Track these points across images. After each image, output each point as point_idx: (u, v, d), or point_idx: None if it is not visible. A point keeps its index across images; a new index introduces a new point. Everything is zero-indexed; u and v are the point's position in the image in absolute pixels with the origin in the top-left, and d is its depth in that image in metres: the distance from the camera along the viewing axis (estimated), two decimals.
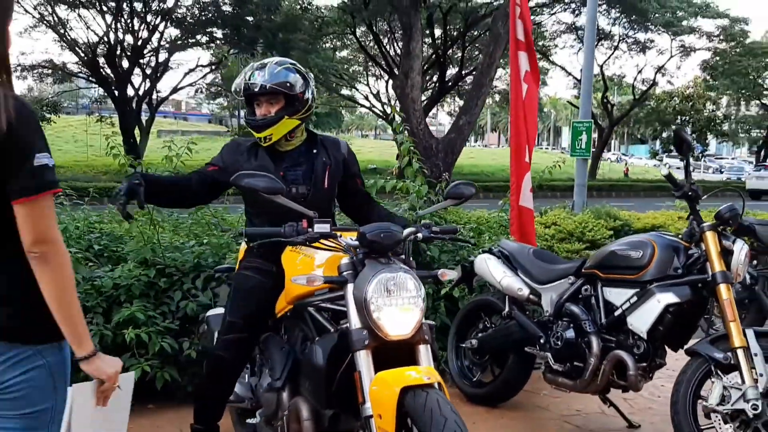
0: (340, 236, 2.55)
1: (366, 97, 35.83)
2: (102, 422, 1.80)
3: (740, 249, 3.25)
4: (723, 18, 29.43)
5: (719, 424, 3.09)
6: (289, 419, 2.66)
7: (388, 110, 35.33)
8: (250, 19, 22.68)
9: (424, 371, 2.28)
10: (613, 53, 30.61)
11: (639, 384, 3.41)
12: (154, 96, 28.38)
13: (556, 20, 29.60)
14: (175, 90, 31.87)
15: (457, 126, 10.29)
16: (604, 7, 25.84)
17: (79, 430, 1.72)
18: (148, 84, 26.89)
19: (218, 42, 25.83)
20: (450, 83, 28.38)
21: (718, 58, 31.01)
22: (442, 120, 62.82)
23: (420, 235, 2.63)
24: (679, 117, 35.21)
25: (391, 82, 31.23)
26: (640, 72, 32.03)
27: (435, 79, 28.10)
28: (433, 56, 26.81)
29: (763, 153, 35.48)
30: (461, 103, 36.29)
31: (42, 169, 1.60)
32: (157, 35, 25.03)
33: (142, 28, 24.46)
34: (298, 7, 25.72)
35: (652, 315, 3.32)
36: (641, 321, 3.36)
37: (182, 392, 3.98)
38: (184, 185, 2.93)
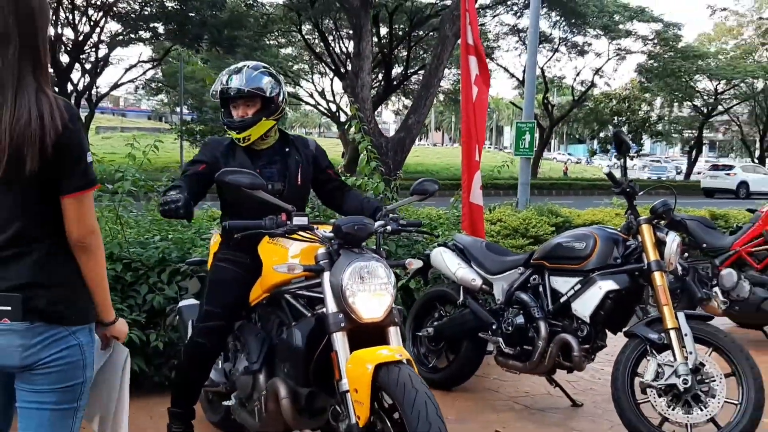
0: (317, 228, 2.77)
1: (311, 95, 35.88)
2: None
3: (672, 240, 3.59)
4: (657, 22, 30.54)
5: (654, 398, 3.43)
6: (266, 399, 2.86)
7: (333, 108, 35.55)
8: (194, 15, 22.44)
9: (395, 350, 2.53)
10: (553, 55, 31.44)
11: (583, 364, 3.73)
12: (94, 92, 27.84)
13: (498, 22, 30.24)
14: (116, 86, 31.28)
15: (407, 125, 10.53)
16: (545, 10, 26.53)
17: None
18: (87, 79, 26.37)
19: (161, 38, 25.51)
20: (395, 82, 28.71)
21: (652, 61, 32.14)
22: (386, 118, 63.21)
23: (389, 227, 2.88)
24: (616, 117, 36.33)
25: (336, 80, 31.48)
26: (579, 74, 33.02)
27: (380, 77, 28.37)
28: (379, 55, 27.09)
29: (717, 155, 37.06)
30: (406, 101, 36.80)
31: (90, 167, 1.79)
32: (98, 30, 24.57)
33: (82, 22, 23.98)
34: (243, 4, 25.65)
35: (595, 301, 3.64)
36: (584, 306, 3.68)
37: (150, 382, 4.12)
38: (197, 193, 3.04)
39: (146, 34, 26.21)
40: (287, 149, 3.18)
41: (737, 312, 5.59)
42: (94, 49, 25.81)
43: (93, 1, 23.56)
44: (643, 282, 3.64)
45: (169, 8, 23.13)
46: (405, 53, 28.19)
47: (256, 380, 2.98)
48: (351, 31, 27.66)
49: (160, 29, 25.00)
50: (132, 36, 26.01)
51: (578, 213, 8.37)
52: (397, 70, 29.07)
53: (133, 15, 24.84)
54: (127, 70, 32.55)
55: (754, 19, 34.33)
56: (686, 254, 5.86)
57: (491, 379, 4.60)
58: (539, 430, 3.79)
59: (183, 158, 27.37)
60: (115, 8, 23.81)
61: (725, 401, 3.36)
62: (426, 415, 2.29)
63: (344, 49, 29.44)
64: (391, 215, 2.97)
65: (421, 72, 29.87)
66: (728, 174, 29.97)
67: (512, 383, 4.52)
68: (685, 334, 3.40)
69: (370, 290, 2.59)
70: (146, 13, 24.69)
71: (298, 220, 2.73)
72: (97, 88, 28.65)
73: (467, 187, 5.61)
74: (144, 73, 34.17)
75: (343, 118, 34.29)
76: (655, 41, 31.36)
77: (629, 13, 29.46)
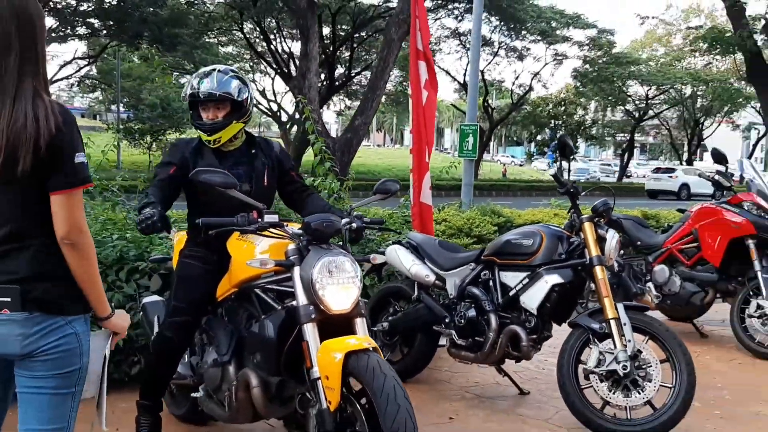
0: (287, 225, 2.92)
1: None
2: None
3: (612, 237, 3.87)
4: (591, 29, 31.57)
5: (596, 383, 3.70)
6: (237, 389, 2.98)
7: (275, 107, 35.38)
8: (134, 12, 22.08)
9: (363, 339, 2.70)
10: (493, 59, 32.10)
11: (530, 353, 3.97)
12: None
13: (440, 25, 30.69)
14: (50, 82, 30.44)
15: (353, 126, 10.74)
16: (485, 15, 27.08)
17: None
18: None
19: (100, 34, 25.00)
20: (338, 83, 28.83)
21: (587, 66, 33.18)
22: (327, 118, 63.08)
23: (354, 225, 3.04)
24: (553, 121, 37.36)
25: (278, 79, 31.34)
26: (518, 77, 33.82)
27: (323, 78, 28.43)
28: (322, 56, 27.14)
29: (648, 158, 38.38)
30: (349, 102, 36.91)
31: (81, 165, 1.88)
32: None
33: None
34: (184, 2, 25.35)
35: (541, 294, 3.89)
36: (532, 299, 3.93)
37: (110, 378, 4.17)
38: (170, 197, 3.16)
39: (83, 30, 25.65)
40: (253, 151, 3.31)
41: (669, 305, 5.94)
42: None
43: None
44: (586, 276, 3.90)
45: (108, 4, 22.70)
46: (347, 54, 28.34)
47: (226, 372, 3.10)
48: (293, 31, 27.78)
49: (98, 26, 24.50)
50: (69, 32, 25.40)
51: (519, 213, 8.67)
52: (339, 70, 29.20)
53: (69, 10, 24.29)
54: (61, 66, 31.67)
55: (682, 28, 35.76)
56: (622, 252, 6.20)
57: (443, 371, 4.81)
58: (489, 416, 4.01)
59: (120, 157, 26.88)
60: (51, 3, 23.22)
61: (660, 385, 3.65)
62: (395, 397, 2.47)
63: (287, 49, 29.43)
64: (354, 213, 3.14)
65: (365, 73, 30.14)
66: (671, 177, 31.69)
67: (463, 374, 4.74)
68: (624, 324, 3.68)
69: (338, 283, 2.75)
70: (83, 9, 24.17)
71: (269, 218, 2.87)
72: None
73: (418, 188, 5.82)
74: (79, 69, 33.38)
75: (284, 117, 34.20)
76: (590, 47, 32.41)
77: (565, 20, 30.36)
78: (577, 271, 3.91)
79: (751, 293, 5.47)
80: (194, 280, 3.23)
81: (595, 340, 3.73)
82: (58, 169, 1.83)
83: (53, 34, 25.16)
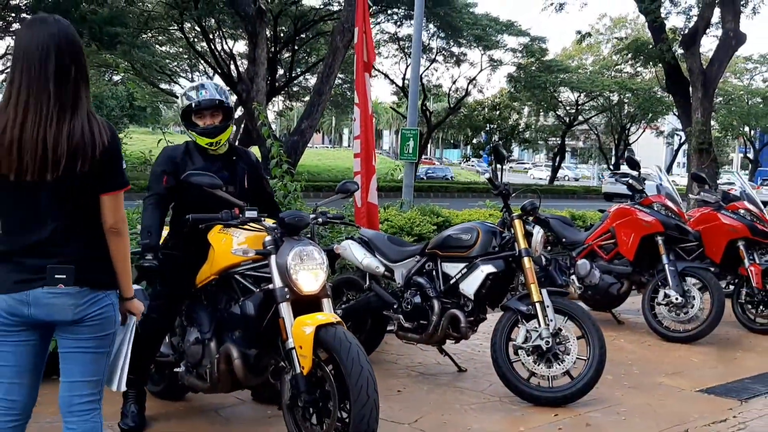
0: (264, 220, 3.41)
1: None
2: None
3: (538, 232, 4.50)
4: (525, 36, 32.74)
5: (524, 356, 4.32)
6: (219, 362, 3.45)
7: None
8: (74, 10, 21.84)
9: (330, 315, 3.22)
10: (431, 65, 32.87)
11: (468, 334, 4.56)
12: None
13: (379, 29, 31.28)
14: None
15: (300, 129, 11.18)
16: (423, 22, 27.81)
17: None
18: None
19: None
20: (279, 84, 29.09)
21: (521, 72, 34.34)
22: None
23: (320, 219, 3.56)
24: (488, 124, 38.41)
25: (217, 78, 31.35)
26: (454, 82, 34.68)
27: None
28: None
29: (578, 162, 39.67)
30: (289, 104, 37.09)
31: (124, 172, 2.38)
32: None
33: None
34: (123, 0, 25.19)
35: (478, 281, 4.48)
36: (470, 286, 4.51)
37: None
38: (165, 212, 3.65)
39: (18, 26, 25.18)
40: (234, 157, 3.78)
41: (590, 296, 6.61)
42: None
43: None
44: (515, 266, 4.51)
45: (46, 2, 22.40)
46: (288, 56, 28.64)
47: (207, 348, 3.55)
48: (234, 31, 27.90)
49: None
50: (3, 26, 24.90)
51: (456, 213, 9.28)
52: (279, 72, 29.44)
53: (1, 5, 23.81)
54: None
55: (611, 38, 37.36)
56: (549, 248, 6.87)
57: (390, 354, 5.35)
58: (432, 389, 4.57)
59: None
60: None
61: (577, 358, 4.29)
62: (359, 360, 3.00)
63: (227, 49, 29.49)
64: (320, 209, 3.66)
65: (306, 75, 30.50)
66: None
67: (408, 356, 5.29)
68: (547, 306, 4.30)
69: (308, 269, 3.26)
70: (15, 3, 23.73)
71: (250, 213, 3.37)
72: None
73: (365, 188, 6.33)
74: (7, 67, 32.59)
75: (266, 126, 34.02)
76: (523, 53, 33.57)
77: (499, 26, 31.42)
78: (508, 261, 4.51)
79: (660, 284, 6.19)
80: (177, 269, 3.67)
81: (523, 321, 4.34)
82: (108, 175, 2.31)
83: None
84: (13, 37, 27.72)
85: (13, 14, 24.16)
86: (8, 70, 2.33)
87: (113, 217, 2.33)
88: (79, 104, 2.27)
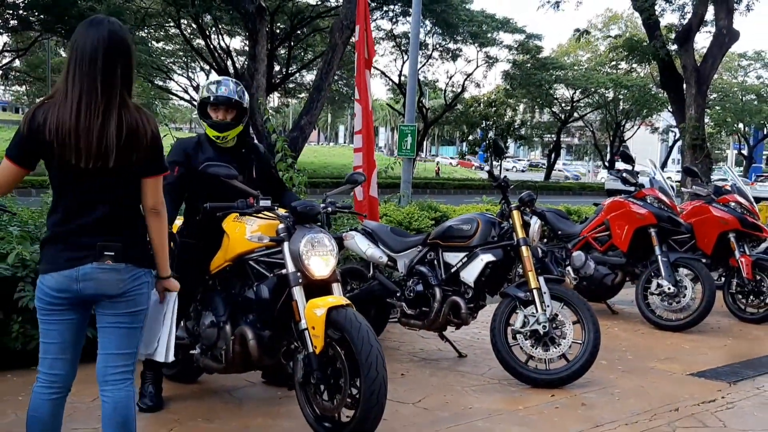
0: (277, 209, 3.60)
1: (185, 90, 35.49)
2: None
3: (535, 222, 4.69)
4: (520, 33, 32.94)
5: (522, 341, 4.52)
6: (234, 343, 3.63)
7: None
8: (72, 7, 21.96)
9: (340, 298, 3.41)
10: (427, 61, 33.04)
11: (468, 319, 4.75)
12: None
13: (375, 26, 31.40)
14: None
15: (299, 125, 11.36)
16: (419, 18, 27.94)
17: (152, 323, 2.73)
18: None
19: (35, 28, 24.68)
20: (276, 81, 29.23)
21: (516, 69, 34.54)
22: None
23: (330, 209, 3.75)
24: (484, 121, 38.62)
25: (214, 75, 31.42)
26: (451, 78, 34.87)
27: None
28: None
29: (573, 158, 39.87)
30: (286, 100, 37.19)
31: (164, 158, 2.60)
32: None
33: None
34: None
35: (477, 270, 4.68)
36: (470, 274, 4.71)
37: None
38: (179, 198, 3.83)
39: (14, 23, 25.23)
40: (243, 150, 3.96)
41: (585, 287, 6.78)
42: None
43: None
44: (514, 255, 4.70)
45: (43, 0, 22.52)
46: (284, 52, 28.78)
47: (222, 330, 3.74)
48: (230, 27, 28.01)
49: (33, 19, 24.19)
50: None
51: (454, 209, 9.49)
52: (276, 68, 29.58)
53: None
54: None
55: (610, 34, 37.57)
56: (545, 240, 7.07)
57: (392, 341, 5.54)
58: (434, 373, 4.77)
59: None
60: None
61: (572, 342, 4.49)
62: (368, 339, 3.19)
63: (224, 45, 29.63)
64: (329, 200, 3.85)
65: (302, 72, 30.64)
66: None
67: (410, 343, 5.48)
68: (544, 293, 4.50)
69: (319, 255, 3.46)
70: (12, 1, 23.79)
71: (264, 202, 3.56)
72: None
73: (368, 182, 6.53)
74: (10, 62, 32.59)
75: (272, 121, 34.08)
76: (518, 51, 33.76)
77: (496, 23, 31.61)
78: (506, 250, 4.71)
79: (653, 274, 6.39)
80: (192, 257, 3.85)
81: (521, 306, 4.54)
82: (153, 160, 2.52)
83: None
84: (19, 34, 27.84)
85: (11, 11, 24.21)
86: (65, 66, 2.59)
87: (153, 198, 2.55)
88: (126, 99, 2.47)
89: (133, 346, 2.62)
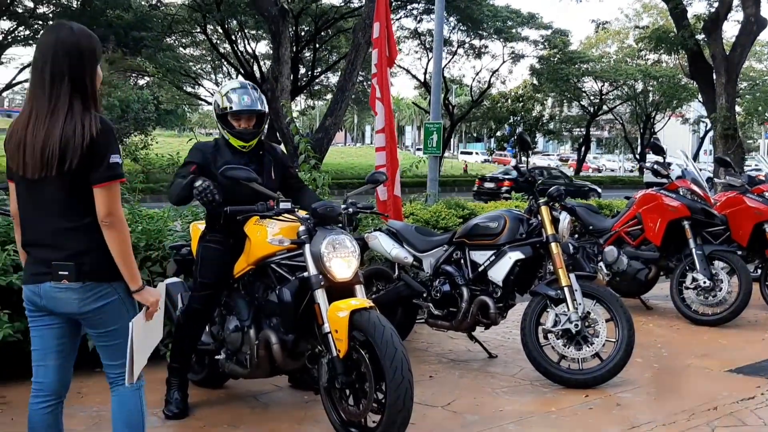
0: (297, 211, 3.54)
1: (213, 95, 35.71)
2: (148, 333, 2.59)
3: (564, 218, 4.57)
4: (546, 29, 32.64)
5: (554, 340, 4.40)
6: (258, 348, 3.58)
7: None
8: (101, 16, 22.29)
9: (363, 300, 3.33)
10: (452, 58, 32.89)
11: (498, 319, 4.65)
12: None
13: (399, 26, 31.38)
14: (10, 86, 30.28)
15: (324, 127, 11.32)
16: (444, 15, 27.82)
17: (136, 349, 2.51)
18: None
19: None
20: (301, 83, 29.32)
21: (543, 64, 34.20)
22: None
23: (350, 209, 3.68)
24: (511, 116, 38.31)
25: (240, 78, 31.63)
26: (477, 74, 34.65)
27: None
28: None
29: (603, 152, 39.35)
30: (311, 102, 37.32)
31: (115, 165, 2.41)
32: None
33: None
34: (147, 5, 25.58)
35: (506, 268, 4.57)
36: (498, 273, 4.60)
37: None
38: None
39: None
40: (261, 152, 3.90)
41: (618, 282, 6.64)
42: None
43: None
44: (543, 252, 4.59)
45: (73, 8, 22.86)
46: (309, 55, 28.85)
47: (246, 335, 3.69)
48: (255, 32, 28.18)
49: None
50: (31, 35, 25.40)
51: (482, 206, 9.35)
52: (301, 70, 29.68)
53: (27, 14, 24.28)
54: (20, 70, 31.44)
55: (640, 25, 36.97)
56: (576, 235, 6.92)
57: (420, 342, 5.46)
58: (464, 374, 4.67)
59: None
60: (11, 7, 23.26)
61: (606, 340, 4.36)
62: (392, 342, 3.11)
63: (250, 50, 29.80)
64: (350, 200, 3.77)
65: (327, 74, 30.70)
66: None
67: (438, 344, 5.39)
68: (576, 290, 4.38)
69: (341, 257, 3.38)
70: (41, 11, 24.19)
71: (284, 205, 3.50)
72: None
73: (391, 181, 6.45)
74: None
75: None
76: (545, 46, 33.43)
77: (521, 19, 31.33)
78: (535, 247, 4.59)
79: (687, 268, 6.21)
80: (216, 260, 3.81)
81: (552, 305, 4.42)
82: (97, 167, 2.37)
83: (11, 37, 25.14)
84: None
85: (40, 22, 24.63)
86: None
87: (105, 209, 2.37)
88: (73, 107, 2.37)
89: (120, 357, 2.50)
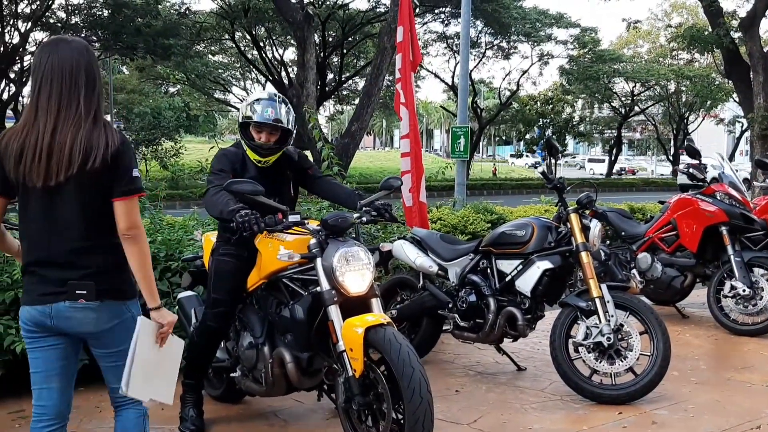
0: (307, 223, 3.39)
1: (242, 101, 35.91)
2: (156, 366, 2.46)
3: (595, 225, 4.36)
4: (575, 27, 32.14)
5: (585, 354, 4.19)
6: (272, 366, 3.44)
7: None
8: (130, 24, 22.48)
9: (379, 316, 3.18)
10: (480, 61, 32.58)
11: (526, 331, 4.45)
12: (20, 101, 27.35)
13: (426, 30, 31.18)
14: None
15: (350, 132, 11.21)
16: (471, 19, 27.56)
17: (139, 360, 2.38)
18: (13, 89, 25.90)
19: (95, 47, 25.33)
20: (329, 89, 29.29)
21: (573, 64, 33.70)
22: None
23: (364, 218, 3.53)
24: (541, 119, 37.85)
25: (269, 86, 31.77)
26: (507, 76, 34.30)
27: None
28: None
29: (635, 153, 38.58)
30: (339, 107, 37.33)
31: (136, 178, 2.39)
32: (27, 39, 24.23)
33: (11, 33, 23.63)
34: (176, 13, 25.76)
35: (534, 278, 4.37)
36: (526, 283, 4.41)
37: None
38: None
39: None
40: (282, 166, 3.76)
41: (652, 290, 6.42)
42: (20, 59, 25.40)
43: (21, 12, 23.27)
44: (573, 261, 4.38)
45: (102, 17, 23.10)
46: (337, 60, 28.81)
47: (261, 352, 3.55)
48: (283, 38, 28.23)
49: (94, 38, 24.85)
50: None
51: (511, 210, 9.14)
52: (329, 76, 29.65)
53: (59, 24, 24.60)
54: None
55: (672, 24, 36.30)
56: (608, 242, 6.69)
57: (447, 354, 5.28)
58: (491, 389, 4.49)
59: None
60: (43, 19, 23.57)
61: (640, 354, 4.14)
62: (410, 361, 2.95)
63: (277, 56, 29.85)
64: (365, 208, 3.62)
65: (355, 78, 30.64)
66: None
67: (465, 356, 5.21)
68: (608, 301, 4.17)
69: (355, 270, 3.23)
70: (74, 21, 24.47)
71: (293, 218, 3.36)
72: (22, 97, 28.17)
73: (416, 187, 6.29)
74: None
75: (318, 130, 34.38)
76: (574, 45, 32.95)
77: (549, 20, 30.90)
78: (565, 257, 4.39)
79: (726, 275, 5.95)
80: (230, 274, 3.68)
81: (583, 317, 4.22)
82: (119, 180, 2.33)
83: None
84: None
85: (72, 32, 24.93)
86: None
87: (125, 222, 2.34)
88: (89, 115, 2.34)
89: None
